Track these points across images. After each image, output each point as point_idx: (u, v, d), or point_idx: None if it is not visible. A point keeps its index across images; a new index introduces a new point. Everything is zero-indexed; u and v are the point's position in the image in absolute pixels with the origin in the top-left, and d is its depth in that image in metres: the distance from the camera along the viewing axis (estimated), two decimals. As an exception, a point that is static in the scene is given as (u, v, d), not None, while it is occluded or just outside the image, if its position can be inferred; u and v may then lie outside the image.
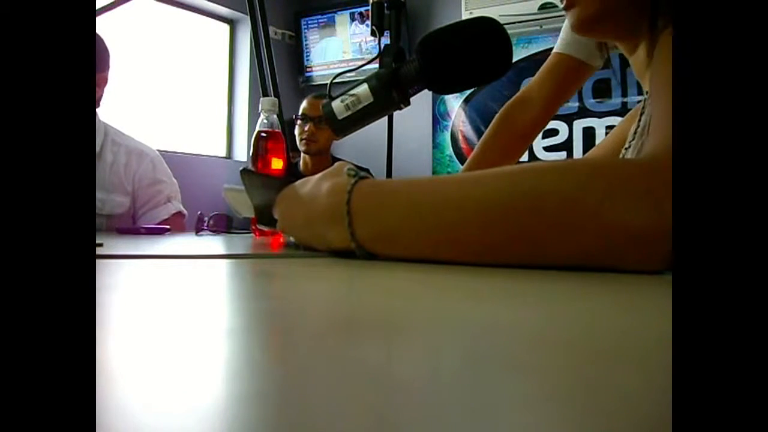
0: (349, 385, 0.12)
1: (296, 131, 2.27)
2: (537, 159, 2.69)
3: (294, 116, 2.31)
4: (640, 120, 0.65)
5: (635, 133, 0.65)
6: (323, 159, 2.26)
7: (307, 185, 0.49)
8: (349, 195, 0.43)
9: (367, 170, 2.30)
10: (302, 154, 2.31)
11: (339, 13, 3.29)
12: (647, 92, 0.57)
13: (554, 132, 2.70)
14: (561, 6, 0.62)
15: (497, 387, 0.12)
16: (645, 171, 0.37)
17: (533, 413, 0.11)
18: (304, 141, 2.23)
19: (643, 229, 0.35)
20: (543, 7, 2.66)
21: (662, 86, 0.45)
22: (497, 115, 1.04)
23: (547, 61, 0.98)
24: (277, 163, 0.89)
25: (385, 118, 1.79)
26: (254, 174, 0.62)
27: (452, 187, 0.42)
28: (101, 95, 1.26)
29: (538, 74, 1.00)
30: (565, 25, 0.92)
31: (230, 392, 0.11)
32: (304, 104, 2.27)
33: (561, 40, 0.95)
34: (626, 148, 0.67)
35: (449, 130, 3.01)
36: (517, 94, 1.04)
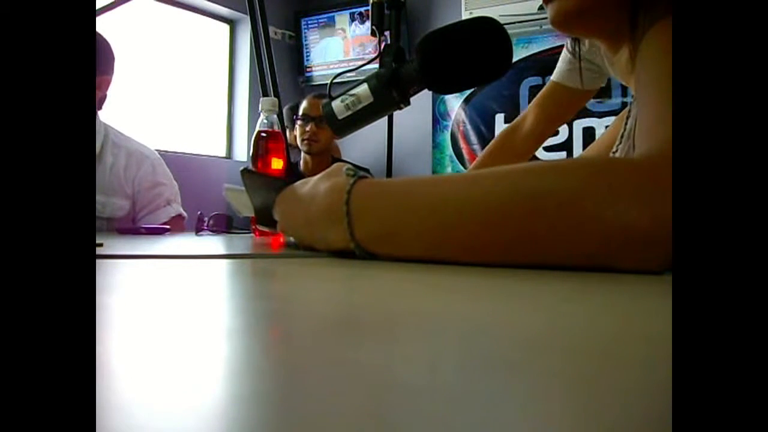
0: (349, 385, 0.12)
1: (297, 131, 2.27)
2: (537, 159, 2.69)
3: (294, 116, 2.31)
4: (626, 124, 0.65)
5: (622, 136, 0.65)
6: (324, 159, 2.26)
7: (306, 185, 0.49)
8: (348, 195, 0.43)
9: (366, 170, 2.31)
10: (302, 154, 2.32)
11: (339, 13, 3.29)
12: (633, 96, 0.57)
13: (554, 132, 2.70)
14: (543, 0, 0.61)
15: (497, 387, 0.12)
16: (644, 171, 0.37)
17: (533, 413, 0.11)
18: (306, 141, 2.23)
19: (643, 229, 0.35)
20: (543, 7, 2.65)
21: (650, 88, 0.45)
22: (492, 142, 1.07)
23: (544, 89, 0.99)
24: (277, 163, 0.89)
25: (385, 118, 1.79)
26: (255, 174, 0.62)
27: (451, 187, 0.42)
28: (103, 97, 1.26)
29: (533, 102, 1.03)
30: (562, 54, 0.93)
31: (230, 392, 0.11)
32: (304, 104, 2.27)
33: (557, 68, 0.96)
34: (614, 152, 0.67)
35: (449, 130, 3.01)
36: (513, 122, 1.06)
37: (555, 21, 0.60)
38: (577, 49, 0.86)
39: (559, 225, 0.36)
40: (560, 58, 0.95)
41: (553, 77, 0.96)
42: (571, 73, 0.92)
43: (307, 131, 2.21)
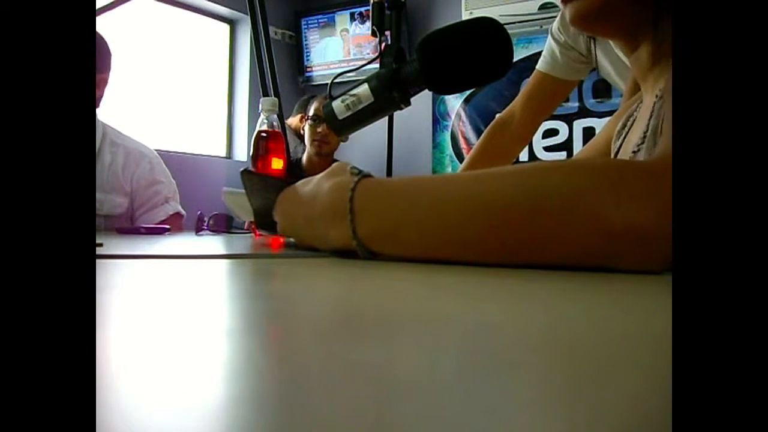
0: (349, 385, 0.12)
1: (307, 131, 2.27)
2: (537, 159, 2.69)
3: (306, 117, 2.33)
4: (649, 122, 0.64)
5: (645, 134, 0.64)
6: (328, 159, 2.28)
7: (308, 185, 0.49)
8: (352, 192, 0.43)
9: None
10: (307, 151, 2.33)
11: (339, 13, 3.29)
12: (657, 95, 0.57)
13: (554, 132, 2.71)
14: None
15: (497, 387, 0.12)
16: (647, 172, 0.37)
17: (533, 413, 0.11)
18: (316, 143, 2.24)
19: (645, 229, 0.35)
20: (543, 7, 2.66)
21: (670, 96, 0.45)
22: (482, 139, 1.07)
23: (530, 79, 0.99)
24: (278, 163, 0.89)
25: (385, 118, 1.79)
26: (255, 175, 0.61)
27: (455, 186, 0.42)
28: (101, 96, 1.26)
29: (521, 94, 1.02)
30: (548, 43, 0.93)
31: (230, 393, 0.11)
32: (315, 104, 2.28)
33: (543, 57, 0.95)
34: (634, 152, 0.67)
35: (449, 130, 3.01)
36: (501, 114, 1.06)
37: (574, 21, 0.60)
38: (593, 48, 0.85)
39: (561, 225, 0.36)
40: (545, 47, 0.95)
41: (540, 67, 0.96)
42: (559, 63, 0.92)
43: (319, 132, 2.22)
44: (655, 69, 0.57)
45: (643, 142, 0.65)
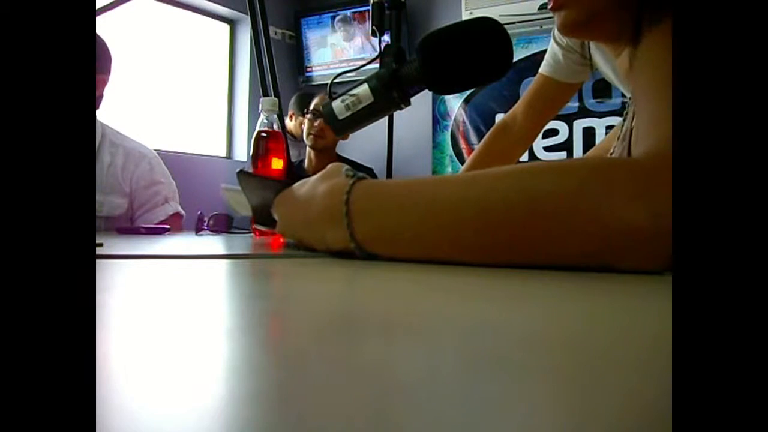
0: (349, 385, 0.12)
1: (306, 125, 2.30)
2: (537, 159, 2.69)
3: (305, 110, 2.34)
4: (623, 125, 0.65)
5: (618, 137, 0.65)
6: (330, 157, 2.28)
7: (304, 186, 0.49)
8: (348, 195, 0.43)
9: (370, 170, 2.32)
10: (308, 150, 2.35)
11: (339, 12, 3.29)
12: (630, 97, 0.58)
13: (554, 132, 2.71)
14: (549, 7, 0.62)
15: (496, 387, 0.12)
16: (644, 171, 0.37)
17: (533, 413, 0.11)
18: (312, 136, 2.27)
19: (642, 228, 0.35)
20: (543, 7, 2.66)
21: (646, 89, 0.45)
22: (483, 142, 1.07)
23: (533, 83, 0.99)
24: (278, 163, 0.89)
25: (385, 118, 1.79)
26: (250, 176, 0.62)
27: (451, 188, 0.42)
28: (100, 97, 1.26)
29: (523, 97, 1.02)
30: (550, 46, 0.94)
31: (230, 392, 0.11)
32: (316, 100, 2.32)
33: (546, 61, 0.96)
34: (611, 153, 0.67)
35: (449, 130, 3.01)
36: (503, 117, 1.06)
37: (562, 29, 0.61)
38: (587, 52, 0.86)
39: (558, 225, 0.36)
40: (548, 51, 0.95)
41: (543, 70, 0.96)
42: (562, 66, 0.93)
43: (315, 126, 2.25)
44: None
45: (617, 144, 0.65)
